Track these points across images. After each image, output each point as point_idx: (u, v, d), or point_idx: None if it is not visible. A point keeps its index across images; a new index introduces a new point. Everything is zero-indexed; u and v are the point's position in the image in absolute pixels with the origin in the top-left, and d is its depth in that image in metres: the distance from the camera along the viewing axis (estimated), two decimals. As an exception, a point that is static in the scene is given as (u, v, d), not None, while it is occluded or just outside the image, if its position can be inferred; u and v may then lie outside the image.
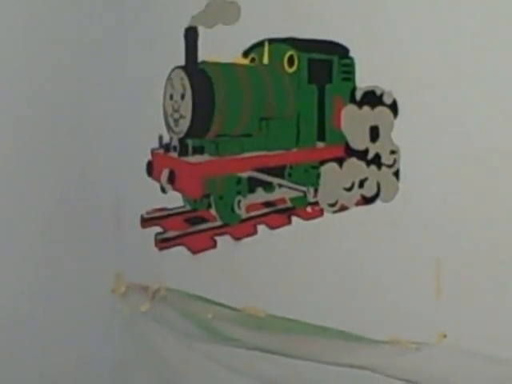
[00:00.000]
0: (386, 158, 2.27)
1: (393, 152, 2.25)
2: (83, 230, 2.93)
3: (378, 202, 2.30)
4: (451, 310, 2.13)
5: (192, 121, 2.46)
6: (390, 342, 2.25)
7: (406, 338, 2.21)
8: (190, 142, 2.54)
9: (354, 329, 2.33)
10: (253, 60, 2.58)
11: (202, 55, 2.53)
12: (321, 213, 2.44)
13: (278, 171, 2.56)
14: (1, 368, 2.72)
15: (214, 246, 2.71)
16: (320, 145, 2.48)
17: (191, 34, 2.54)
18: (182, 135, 2.52)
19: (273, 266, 2.57)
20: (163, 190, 2.62)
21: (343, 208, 2.39)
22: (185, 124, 2.49)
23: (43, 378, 2.83)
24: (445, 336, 2.14)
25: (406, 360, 2.22)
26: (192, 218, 2.75)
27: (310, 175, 2.49)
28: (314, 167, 2.47)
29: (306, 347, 2.46)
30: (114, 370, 3.00)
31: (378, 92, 2.26)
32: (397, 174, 2.24)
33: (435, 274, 2.15)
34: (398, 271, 2.25)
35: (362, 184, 2.34)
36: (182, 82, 2.50)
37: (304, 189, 2.48)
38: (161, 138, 2.72)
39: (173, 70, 2.56)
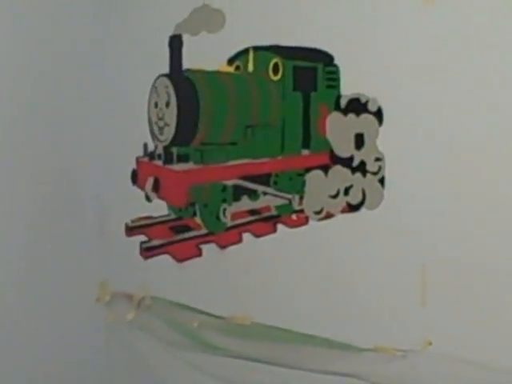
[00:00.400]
0: (371, 166, 2.27)
1: (378, 159, 2.25)
2: (67, 239, 2.91)
3: (364, 210, 2.30)
4: (437, 316, 2.13)
5: (177, 129, 2.46)
6: (376, 349, 2.25)
7: (392, 346, 2.21)
8: (174, 149, 2.53)
9: (340, 336, 2.33)
10: (238, 68, 2.58)
11: (187, 63, 2.52)
12: (306, 220, 2.44)
13: (264, 179, 2.55)
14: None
15: (200, 254, 2.70)
16: (305, 152, 2.49)
17: (176, 42, 2.53)
18: (166, 143, 2.51)
19: (258, 274, 2.56)
20: (148, 198, 2.61)
21: (328, 215, 2.38)
22: (169, 132, 2.48)
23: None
24: (430, 343, 2.14)
25: (392, 367, 2.22)
26: (177, 226, 2.73)
27: (295, 183, 2.49)
28: (299, 175, 2.47)
29: (292, 355, 2.45)
30: (99, 379, 2.97)
31: (363, 99, 2.26)
32: (382, 181, 2.25)
33: (421, 281, 2.15)
34: (383, 278, 2.25)
35: (347, 191, 2.34)
36: (167, 89, 2.49)
37: (289, 196, 2.48)
38: (145, 145, 2.70)
39: (157, 77, 2.55)
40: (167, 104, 2.49)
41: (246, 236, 2.58)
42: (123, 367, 2.93)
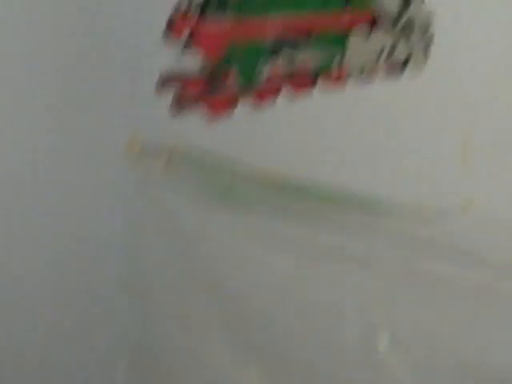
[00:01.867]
0: (418, 26, 2.24)
1: (426, 18, 2.22)
2: (95, 90, 2.85)
3: (407, 71, 2.29)
4: (478, 176, 2.15)
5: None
6: (414, 208, 2.27)
7: (429, 205, 2.24)
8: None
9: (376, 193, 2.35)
10: None
11: None
12: (346, 80, 2.42)
13: (303, 38, 2.50)
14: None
15: (234, 107, 2.66)
16: (348, 9, 2.43)
17: None
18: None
19: (294, 129, 2.55)
20: (182, 51, 2.57)
21: (369, 76, 2.36)
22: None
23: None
24: (471, 201, 2.16)
25: (428, 228, 2.24)
26: (211, 80, 2.69)
27: (337, 42, 2.45)
28: (341, 34, 2.43)
29: (325, 213, 2.46)
30: (126, 236, 2.94)
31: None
32: (429, 42, 2.23)
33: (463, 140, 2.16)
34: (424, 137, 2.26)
35: (391, 52, 2.32)
36: None
37: (330, 56, 2.45)
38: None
39: None
40: None
41: (284, 92, 2.55)
42: (150, 223, 2.87)
